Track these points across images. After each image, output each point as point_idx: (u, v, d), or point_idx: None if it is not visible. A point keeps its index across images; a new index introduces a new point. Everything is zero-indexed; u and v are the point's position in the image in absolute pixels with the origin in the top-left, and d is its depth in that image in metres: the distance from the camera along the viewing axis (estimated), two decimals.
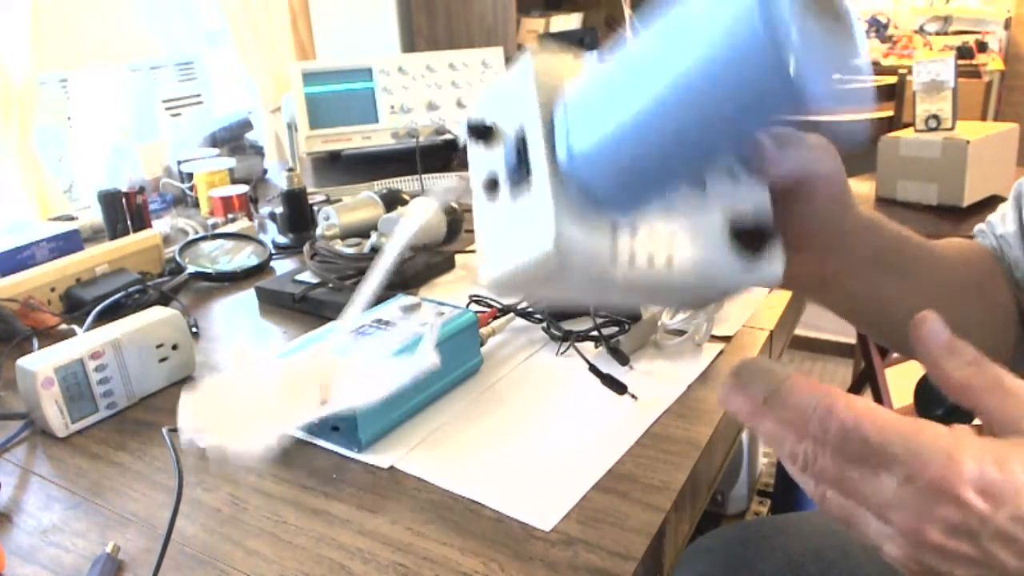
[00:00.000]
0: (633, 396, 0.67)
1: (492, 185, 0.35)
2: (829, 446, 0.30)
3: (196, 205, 1.41)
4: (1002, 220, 0.59)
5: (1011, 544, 0.28)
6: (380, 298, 0.87)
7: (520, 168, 0.33)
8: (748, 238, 0.36)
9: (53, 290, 0.95)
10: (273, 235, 1.22)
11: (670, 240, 0.34)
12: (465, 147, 1.34)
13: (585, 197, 0.32)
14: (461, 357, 0.72)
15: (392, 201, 1.05)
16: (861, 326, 0.57)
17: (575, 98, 0.33)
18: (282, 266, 1.11)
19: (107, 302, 0.92)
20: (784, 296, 0.89)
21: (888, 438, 0.29)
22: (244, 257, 1.10)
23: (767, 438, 0.32)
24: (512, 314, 0.82)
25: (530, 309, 0.82)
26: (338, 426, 0.63)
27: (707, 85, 0.27)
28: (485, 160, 0.37)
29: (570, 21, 3.05)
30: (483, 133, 0.37)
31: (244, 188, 1.31)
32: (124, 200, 1.19)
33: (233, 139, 1.71)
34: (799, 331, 2.25)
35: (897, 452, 0.29)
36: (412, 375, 0.36)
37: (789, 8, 0.24)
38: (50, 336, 0.87)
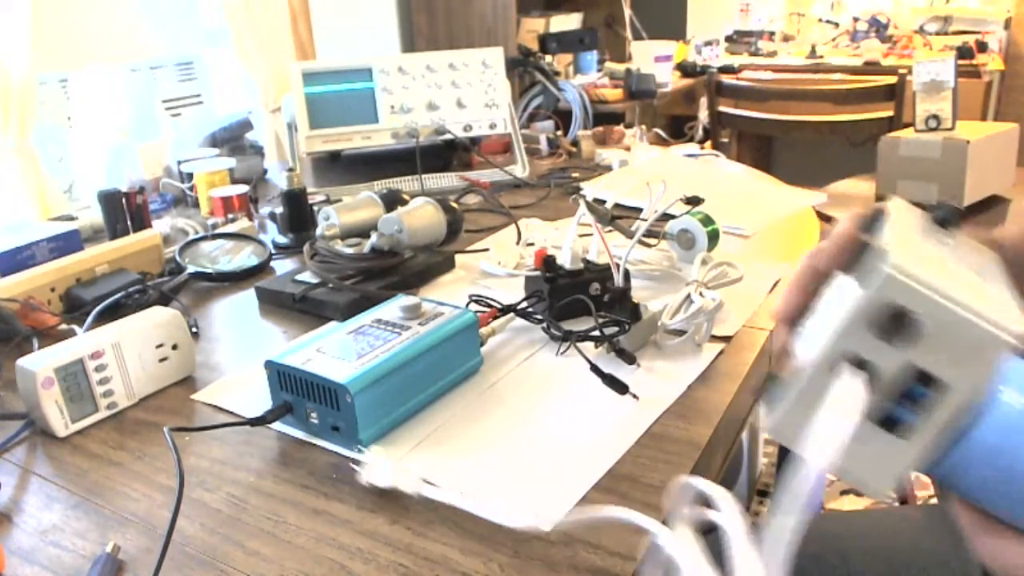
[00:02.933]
0: (635, 396, 0.67)
1: (860, 366, 0.32)
2: None
3: (196, 205, 1.41)
4: None
5: None
6: (380, 298, 0.87)
7: (910, 407, 0.31)
8: None
9: (53, 290, 0.95)
10: (273, 235, 1.22)
11: None
12: (463, 147, 1.34)
13: (936, 468, 0.32)
14: (461, 357, 0.72)
15: (392, 201, 1.05)
16: None
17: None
18: (282, 266, 1.11)
19: (107, 302, 0.92)
20: None
21: None
22: (244, 257, 1.10)
23: None
24: (512, 314, 0.82)
25: (530, 309, 0.82)
26: (338, 426, 0.63)
27: None
28: (869, 344, 0.32)
29: (570, 21, 3.05)
30: (893, 325, 0.31)
31: (244, 188, 1.31)
32: (124, 200, 1.19)
33: (233, 139, 1.71)
34: None
35: None
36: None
37: None
38: (50, 336, 0.87)
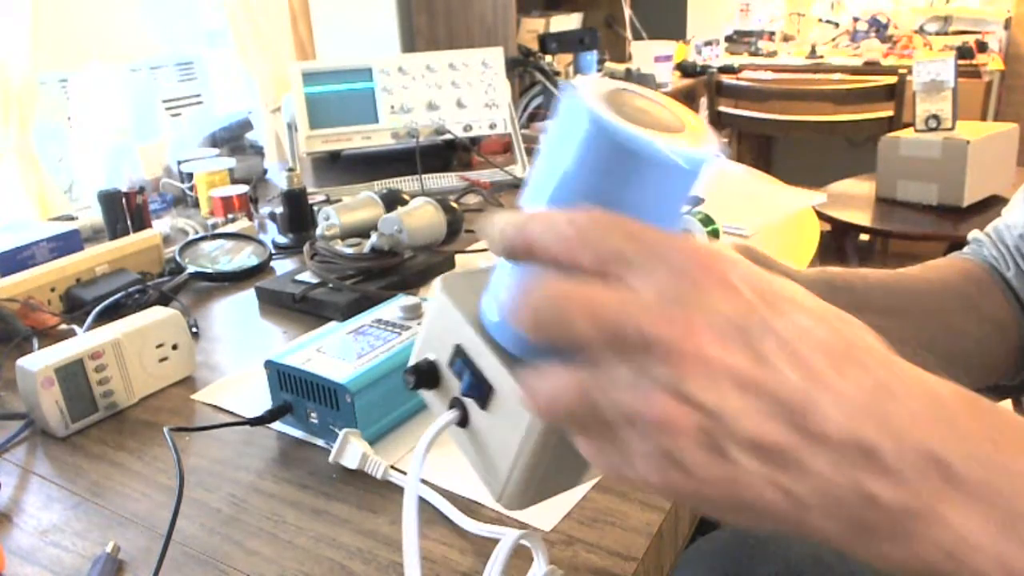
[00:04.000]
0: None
1: (462, 416, 0.36)
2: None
3: (196, 205, 1.41)
4: (1007, 228, 0.58)
5: (790, 356, 0.24)
6: (380, 298, 0.87)
7: (479, 383, 0.34)
8: None
9: (53, 290, 0.95)
10: (273, 235, 1.22)
11: None
12: (463, 147, 1.34)
13: None
14: None
15: (392, 201, 1.05)
16: None
17: (488, 298, 0.34)
18: (282, 266, 1.11)
19: (107, 302, 0.92)
20: None
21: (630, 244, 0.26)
22: (244, 257, 1.10)
23: None
24: None
25: None
26: (338, 426, 0.63)
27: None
28: (441, 400, 0.37)
29: (570, 21, 3.06)
30: (428, 377, 0.37)
31: (244, 188, 1.31)
32: (124, 200, 1.19)
33: (233, 139, 1.71)
34: None
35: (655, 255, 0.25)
36: None
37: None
38: (50, 336, 0.87)
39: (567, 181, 0.29)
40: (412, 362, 0.38)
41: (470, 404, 0.35)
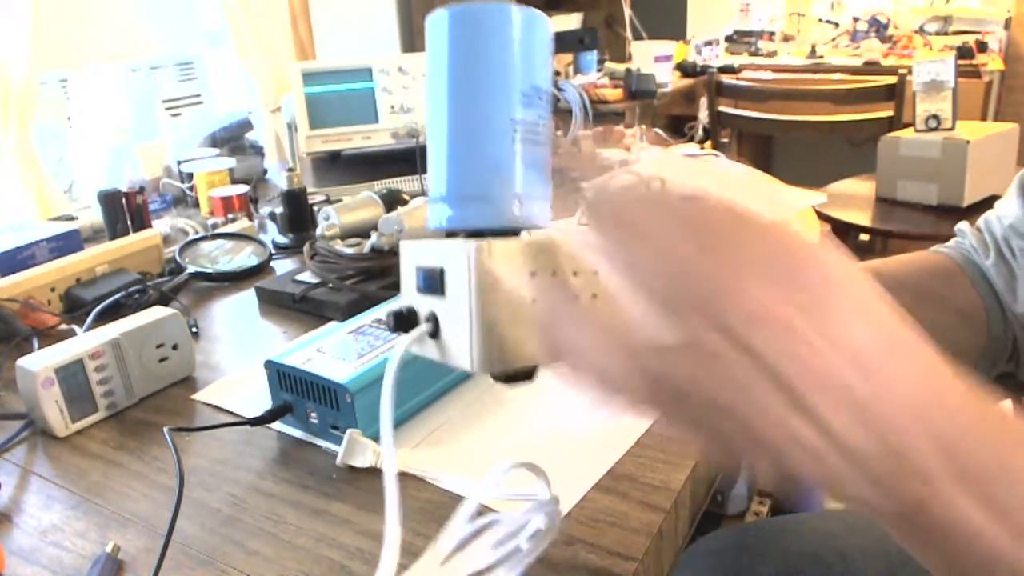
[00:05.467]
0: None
1: (434, 327, 0.38)
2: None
3: (196, 205, 1.41)
4: (998, 219, 0.59)
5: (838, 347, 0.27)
6: (380, 299, 0.87)
7: (430, 274, 0.37)
8: None
9: (53, 290, 0.95)
10: (273, 235, 1.22)
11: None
12: None
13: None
14: None
15: (392, 201, 1.05)
16: None
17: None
18: (282, 266, 1.11)
19: (107, 302, 0.92)
20: None
21: None
22: (244, 257, 1.10)
23: None
24: None
25: None
26: (338, 426, 0.63)
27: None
28: (410, 340, 0.40)
29: (570, 21, 3.06)
30: (406, 321, 0.40)
31: (244, 188, 1.31)
32: (124, 200, 1.19)
33: (233, 139, 1.71)
34: None
35: None
36: None
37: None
38: (50, 336, 0.87)
39: (450, 72, 0.36)
40: (395, 314, 0.40)
41: (437, 308, 0.38)
